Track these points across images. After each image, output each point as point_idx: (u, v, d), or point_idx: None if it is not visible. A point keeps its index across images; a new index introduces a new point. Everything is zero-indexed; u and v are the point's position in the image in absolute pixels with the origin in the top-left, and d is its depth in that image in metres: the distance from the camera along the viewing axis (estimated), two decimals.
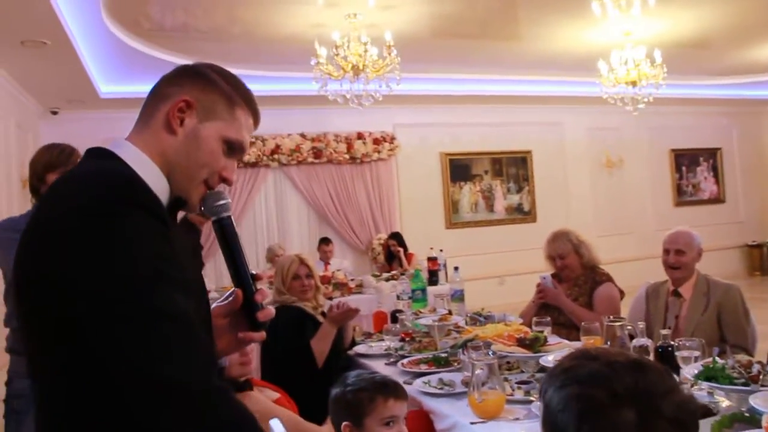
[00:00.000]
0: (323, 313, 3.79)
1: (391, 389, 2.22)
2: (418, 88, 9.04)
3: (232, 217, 1.41)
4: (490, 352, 2.51)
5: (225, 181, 1.39)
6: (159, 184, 1.29)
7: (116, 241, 1.08)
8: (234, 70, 5.47)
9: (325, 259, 8.07)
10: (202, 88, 1.35)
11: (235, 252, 1.38)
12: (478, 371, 2.31)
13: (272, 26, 6.71)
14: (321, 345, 3.54)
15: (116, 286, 1.05)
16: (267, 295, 1.41)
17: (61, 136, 7.85)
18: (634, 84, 7.28)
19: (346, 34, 6.12)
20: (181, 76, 1.38)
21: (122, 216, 1.11)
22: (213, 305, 1.42)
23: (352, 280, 6.80)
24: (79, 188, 1.16)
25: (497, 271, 9.96)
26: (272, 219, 9.24)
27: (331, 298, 5.74)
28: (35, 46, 5.68)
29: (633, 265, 9.38)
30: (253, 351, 2.71)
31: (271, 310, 1.43)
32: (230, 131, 1.37)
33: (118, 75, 7.67)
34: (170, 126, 1.32)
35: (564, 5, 6.65)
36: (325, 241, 8.35)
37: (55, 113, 8.34)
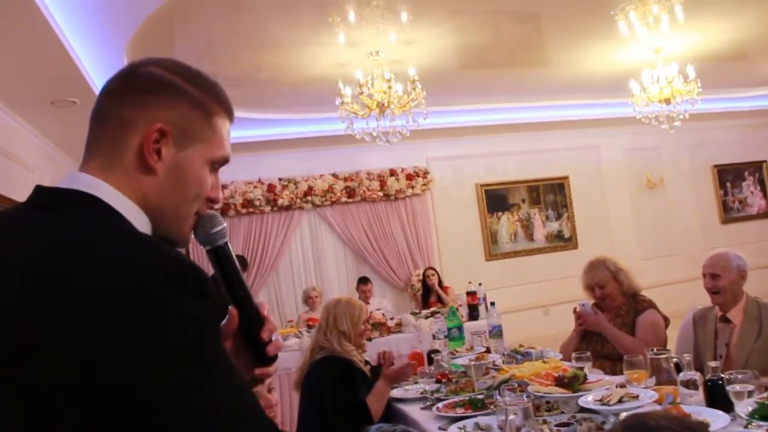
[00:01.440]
0: (366, 361, 3.67)
1: None
2: (449, 120, 8.99)
3: (230, 244, 1.22)
4: (525, 395, 2.37)
5: (212, 201, 1.18)
6: (144, 230, 1.08)
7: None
8: (263, 115, 5.50)
9: (365, 299, 7.95)
10: (170, 104, 1.09)
11: (236, 282, 1.20)
12: (511, 416, 2.17)
13: (298, 69, 6.73)
14: (378, 404, 3.37)
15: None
16: (274, 328, 1.24)
17: None
18: (668, 102, 7.09)
19: (370, 72, 6.08)
20: (137, 89, 1.10)
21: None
22: None
23: (391, 319, 6.66)
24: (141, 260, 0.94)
25: (541, 301, 9.74)
26: (309, 261, 9.18)
27: (370, 339, 5.62)
28: (65, 105, 5.76)
29: (681, 288, 9.12)
30: (278, 401, 2.60)
31: (280, 342, 1.27)
32: (216, 151, 1.15)
33: None
34: (148, 165, 1.08)
35: (590, 28, 6.55)
36: (363, 280, 8.25)
37: None
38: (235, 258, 1.22)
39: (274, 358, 1.23)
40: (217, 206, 1.21)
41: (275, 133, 8.52)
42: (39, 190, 1.07)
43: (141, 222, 1.08)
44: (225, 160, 1.18)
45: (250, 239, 8.82)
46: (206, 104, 1.14)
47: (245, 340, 1.21)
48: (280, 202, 8.82)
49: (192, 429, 0.88)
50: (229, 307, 1.18)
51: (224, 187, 8.67)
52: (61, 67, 4.88)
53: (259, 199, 8.74)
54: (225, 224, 1.20)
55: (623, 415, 2.17)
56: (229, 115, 1.20)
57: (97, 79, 5.61)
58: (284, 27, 5.67)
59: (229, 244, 1.21)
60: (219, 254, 1.19)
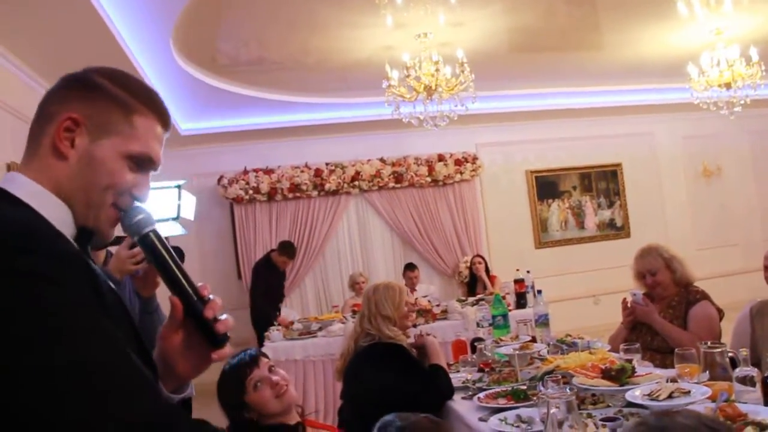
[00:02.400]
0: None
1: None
2: (499, 105, 8.84)
3: (157, 229, 1.23)
4: (567, 388, 2.26)
5: (137, 199, 1.22)
6: (61, 216, 1.14)
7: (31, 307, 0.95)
8: (311, 99, 5.43)
9: (411, 286, 7.87)
10: (88, 100, 1.18)
11: (169, 264, 1.22)
12: (553, 409, 2.07)
13: (345, 52, 6.66)
14: None
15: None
16: (219, 306, 1.23)
17: None
18: (728, 86, 6.82)
19: (417, 55, 5.98)
20: (63, 88, 1.20)
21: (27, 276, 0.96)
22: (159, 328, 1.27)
23: (437, 306, 6.58)
24: None
25: (591, 291, 9.54)
26: (356, 247, 9.15)
27: (415, 326, 5.54)
28: None
29: (738, 279, 8.83)
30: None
31: (230, 320, 1.25)
32: (132, 145, 1.19)
33: (196, 112, 7.81)
34: (59, 151, 1.15)
35: (647, 8, 6.31)
36: (410, 267, 8.17)
37: None
38: (166, 244, 1.23)
39: (225, 337, 1.23)
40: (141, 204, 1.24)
41: (322, 118, 8.48)
42: None
43: (55, 208, 1.14)
44: (147, 158, 1.22)
45: (296, 224, 8.82)
46: (127, 102, 1.20)
47: (194, 325, 1.22)
48: (327, 186, 8.79)
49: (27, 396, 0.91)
50: (169, 296, 1.21)
51: (271, 171, 8.69)
52: (105, 49, 4.89)
53: (306, 183, 8.72)
54: (147, 213, 1.22)
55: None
56: (159, 117, 1.25)
57: (143, 62, 5.64)
58: (331, 9, 5.60)
59: (157, 231, 1.23)
60: (147, 242, 1.22)
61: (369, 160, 9.01)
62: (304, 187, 8.73)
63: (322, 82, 7.58)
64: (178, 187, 2.55)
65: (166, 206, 2.53)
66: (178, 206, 2.56)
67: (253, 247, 8.59)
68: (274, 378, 2.48)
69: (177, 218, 2.54)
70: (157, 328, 2.72)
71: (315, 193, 8.83)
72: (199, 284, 1.23)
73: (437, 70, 5.84)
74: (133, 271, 2.50)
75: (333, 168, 8.86)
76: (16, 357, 0.91)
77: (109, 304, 1.08)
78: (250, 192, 8.59)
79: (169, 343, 1.25)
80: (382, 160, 9.06)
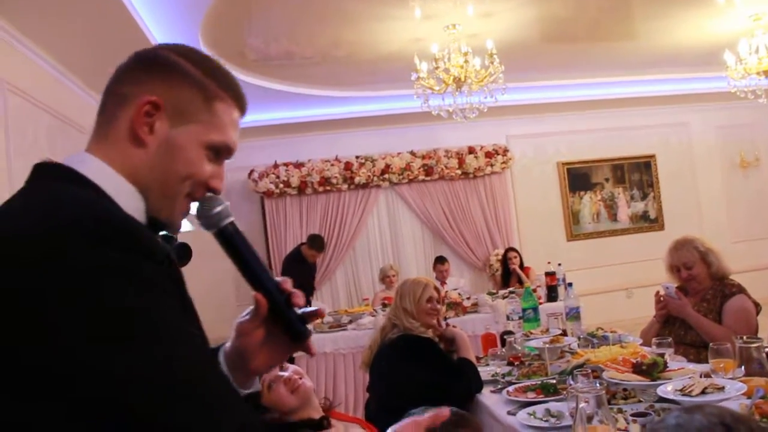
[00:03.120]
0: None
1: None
2: (530, 96, 8.77)
3: (236, 222, 1.17)
4: (596, 383, 2.23)
5: (212, 190, 1.16)
6: (135, 205, 1.07)
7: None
8: (340, 93, 5.47)
9: (441, 279, 7.86)
10: (167, 82, 1.10)
11: (251, 259, 1.16)
12: (582, 404, 2.04)
13: (375, 45, 6.65)
14: None
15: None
16: (302, 300, 1.18)
17: None
18: (767, 74, 6.66)
19: (446, 47, 5.94)
20: (138, 67, 1.12)
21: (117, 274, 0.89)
22: (236, 321, 1.20)
23: (467, 299, 6.55)
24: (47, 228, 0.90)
25: (624, 284, 9.42)
26: (386, 240, 9.14)
27: (446, 319, 5.52)
28: None
29: None
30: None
31: (323, 308, 1.22)
32: (212, 134, 1.12)
33: None
34: (137, 137, 1.08)
35: None
36: (440, 260, 8.14)
37: None
38: (245, 237, 1.17)
39: (308, 331, 1.19)
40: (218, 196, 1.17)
41: (352, 111, 8.49)
42: (36, 165, 1.07)
43: (128, 195, 1.07)
44: (226, 148, 1.16)
45: (327, 217, 8.84)
46: (208, 87, 1.13)
47: (276, 320, 1.16)
48: (357, 179, 8.80)
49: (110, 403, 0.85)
50: (253, 294, 1.14)
51: (301, 165, 8.72)
52: (134, 44, 4.90)
53: (336, 176, 8.74)
54: (226, 204, 1.16)
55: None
56: (238, 103, 1.18)
57: None
58: (360, 1, 5.58)
59: (235, 224, 1.17)
60: (225, 235, 1.16)
61: (399, 153, 8.99)
62: (334, 181, 8.74)
63: (351, 75, 7.57)
64: None
65: None
66: None
67: (284, 241, 8.64)
68: (286, 374, 2.47)
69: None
70: None
71: (345, 186, 8.84)
72: (280, 278, 1.18)
73: (466, 61, 5.80)
74: None
75: (363, 161, 8.86)
76: (116, 358, 0.85)
77: (188, 305, 1.04)
78: (281, 186, 8.63)
79: (249, 340, 1.18)
80: (412, 153, 9.03)
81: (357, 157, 8.87)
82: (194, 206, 1.18)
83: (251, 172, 8.68)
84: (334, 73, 7.45)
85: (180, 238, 1.42)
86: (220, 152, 1.15)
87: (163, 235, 1.83)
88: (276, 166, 8.72)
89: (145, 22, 4.75)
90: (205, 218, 1.15)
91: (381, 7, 5.73)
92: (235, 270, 1.18)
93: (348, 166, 8.78)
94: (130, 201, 1.06)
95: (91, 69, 5.28)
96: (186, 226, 2.71)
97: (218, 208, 1.15)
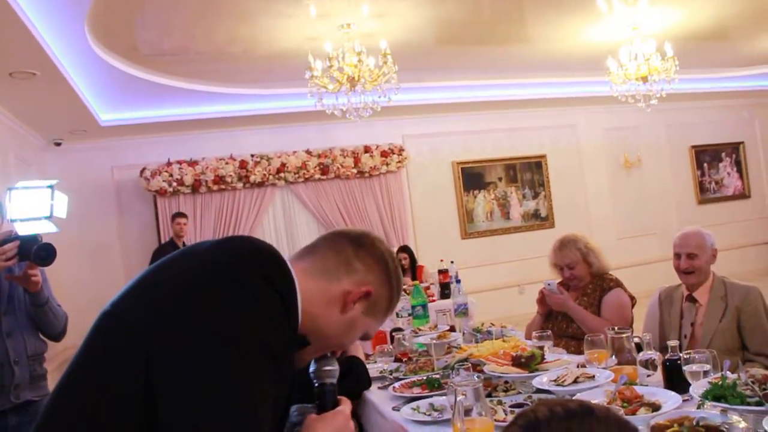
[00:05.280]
0: None
1: None
2: (425, 97, 8.88)
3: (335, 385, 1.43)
4: (476, 376, 2.28)
5: (334, 354, 1.48)
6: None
7: None
8: (236, 90, 5.39)
9: None
10: (382, 283, 1.43)
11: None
12: (460, 397, 2.08)
13: (270, 43, 6.58)
14: None
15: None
16: None
17: (66, 166, 7.93)
18: (644, 80, 7.01)
19: (341, 46, 5.94)
20: (369, 254, 1.44)
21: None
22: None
23: None
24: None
25: (517, 280, 9.70)
26: (282, 238, 9.06)
27: None
28: (25, 77, 5.59)
29: (656, 267, 9.12)
30: None
31: None
32: (373, 328, 1.47)
33: (118, 102, 7.58)
34: (344, 308, 1.38)
35: (570, 3, 6.42)
36: None
37: (58, 144, 8.26)
38: (336, 400, 1.42)
39: None
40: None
41: (248, 109, 8.36)
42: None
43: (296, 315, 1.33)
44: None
45: (221, 216, 8.69)
46: (393, 303, 1.49)
47: None
48: (252, 178, 8.69)
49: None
50: None
51: (195, 163, 8.54)
52: (17, 38, 4.71)
53: (231, 175, 8.60)
54: (337, 367, 1.45)
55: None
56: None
57: (57, 50, 5.44)
58: None
59: (335, 385, 1.43)
60: (325, 390, 1.41)
61: (295, 152, 8.94)
62: (229, 179, 8.60)
63: (248, 72, 7.46)
64: (51, 187, 2.63)
65: (39, 206, 2.64)
66: (51, 206, 2.66)
67: None
68: None
69: (50, 217, 2.60)
70: (51, 320, 2.68)
71: (240, 185, 8.71)
72: None
73: (360, 61, 5.82)
74: (4, 267, 2.48)
75: (258, 159, 8.75)
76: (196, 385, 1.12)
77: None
78: (174, 184, 8.41)
79: None
80: (308, 151, 8.99)
81: (252, 156, 8.76)
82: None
83: (143, 170, 8.42)
84: (229, 69, 7.32)
85: (46, 239, 1.44)
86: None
87: (27, 236, 1.95)
88: (169, 163, 8.49)
89: (26, 12, 4.52)
90: (320, 370, 1.42)
91: (277, 5, 5.67)
92: None
93: (243, 164, 8.66)
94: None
95: None
96: (50, 228, 2.66)
97: (330, 368, 1.43)
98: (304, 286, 1.32)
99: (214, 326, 1.15)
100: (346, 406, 1.44)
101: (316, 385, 1.41)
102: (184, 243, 7.83)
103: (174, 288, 1.22)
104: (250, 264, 1.25)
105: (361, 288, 1.38)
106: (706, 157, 11.64)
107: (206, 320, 1.16)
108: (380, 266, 1.43)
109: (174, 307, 1.18)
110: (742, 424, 1.86)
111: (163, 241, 8.29)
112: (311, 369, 1.42)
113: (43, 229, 2.61)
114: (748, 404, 1.79)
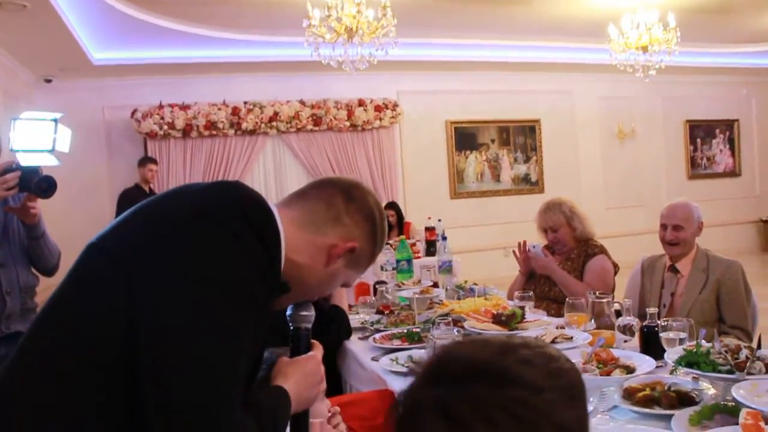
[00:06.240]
0: None
1: None
2: (422, 53, 8.78)
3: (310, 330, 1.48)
4: (456, 330, 2.30)
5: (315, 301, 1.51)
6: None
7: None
8: (232, 35, 5.33)
9: None
10: (367, 239, 1.44)
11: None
12: None
13: None
14: None
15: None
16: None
17: (56, 104, 7.81)
18: (645, 50, 6.96)
19: None
20: (359, 210, 1.43)
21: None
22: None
23: None
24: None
25: (503, 243, 9.69)
26: (271, 188, 9.01)
27: None
28: (15, 9, 5.47)
29: (643, 239, 9.14)
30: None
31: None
32: (353, 279, 1.51)
33: (111, 41, 7.45)
34: (328, 261, 1.40)
35: None
36: None
37: (49, 81, 8.14)
38: (308, 345, 1.47)
39: None
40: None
41: (243, 55, 8.24)
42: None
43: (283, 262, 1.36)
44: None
45: (211, 162, 8.65)
46: (375, 256, 1.51)
47: None
48: (244, 125, 8.62)
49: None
50: None
51: (187, 107, 8.45)
52: None
53: (222, 121, 8.53)
54: (313, 313, 1.48)
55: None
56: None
57: None
58: None
59: (309, 330, 1.47)
60: (300, 334, 1.46)
61: (288, 101, 8.85)
62: (221, 125, 8.54)
63: (245, 17, 7.33)
64: (55, 120, 2.58)
65: (42, 138, 2.58)
66: (54, 139, 2.60)
67: (167, 185, 8.36)
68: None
69: (52, 150, 2.57)
70: (46, 254, 2.68)
71: (232, 131, 8.64)
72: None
73: (359, 11, 5.73)
74: (3, 197, 2.47)
75: (251, 107, 8.67)
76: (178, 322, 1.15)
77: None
78: (165, 127, 8.33)
79: None
80: (301, 101, 8.91)
81: (245, 103, 8.67)
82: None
83: (134, 111, 8.32)
84: (226, 14, 7.20)
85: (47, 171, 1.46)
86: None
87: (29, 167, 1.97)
88: (161, 106, 8.40)
89: None
90: (296, 314, 1.45)
91: None
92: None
93: (236, 111, 8.59)
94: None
95: None
96: (52, 161, 2.64)
97: (307, 313, 1.46)
98: (290, 235, 1.34)
99: (197, 265, 1.18)
100: (318, 351, 1.48)
101: (291, 328, 1.45)
102: (150, 188, 7.82)
103: (161, 225, 1.25)
104: (236, 209, 1.27)
105: (347, 243, 1.40)
106: (699, 132, 11.63)
107: (189, 259, 1.19)
108: (368, 222, 1.44)
109: (159, 244, 1.21)
110: (711, 391, 1.90)
111: (152, 184, 8.24)
112: (288, 312, 1.45)
113: (45, 161, 2.60)
114: (719, 372, 1.82)
